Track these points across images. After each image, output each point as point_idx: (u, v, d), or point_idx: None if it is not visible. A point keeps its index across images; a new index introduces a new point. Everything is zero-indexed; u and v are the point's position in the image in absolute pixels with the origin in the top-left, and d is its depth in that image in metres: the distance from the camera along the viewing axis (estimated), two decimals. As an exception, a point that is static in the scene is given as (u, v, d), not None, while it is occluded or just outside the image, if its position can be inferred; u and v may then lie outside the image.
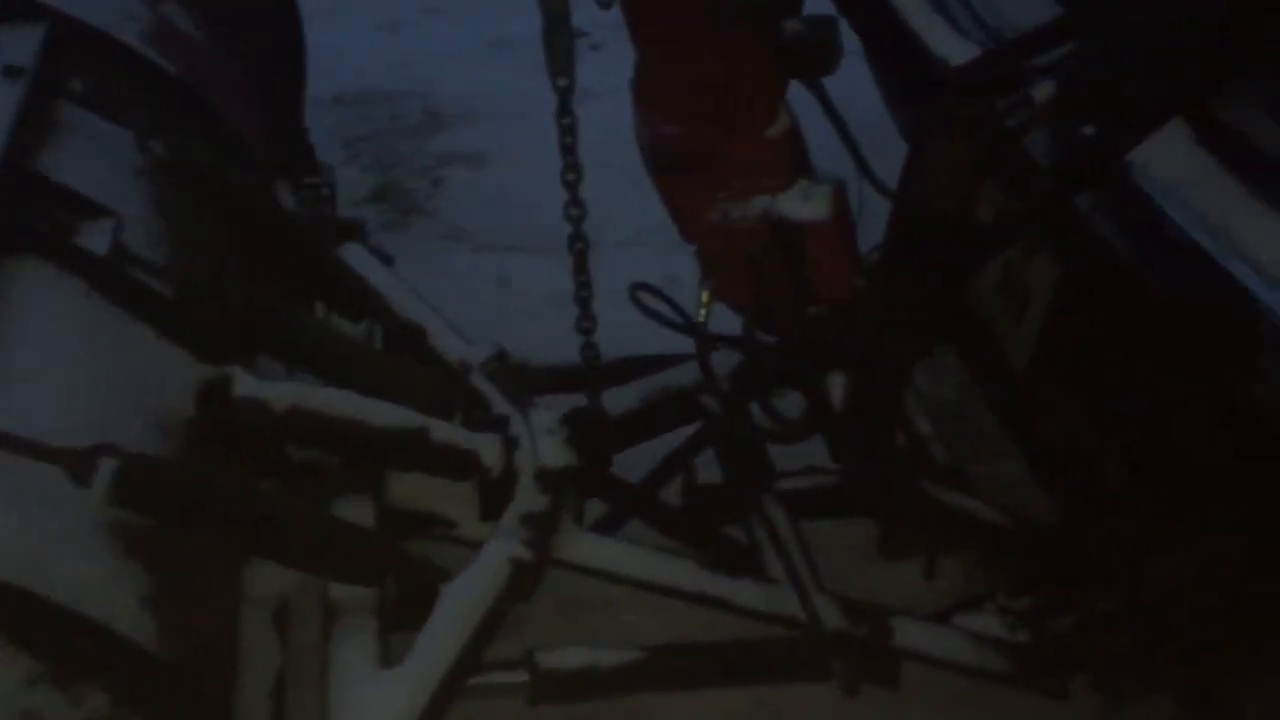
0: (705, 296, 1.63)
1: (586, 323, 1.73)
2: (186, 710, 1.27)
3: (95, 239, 1.54)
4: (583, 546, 1.79)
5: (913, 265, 1.36)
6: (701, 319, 1.65)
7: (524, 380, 2.06)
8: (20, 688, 1.13)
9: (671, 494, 2.05)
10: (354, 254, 2.15)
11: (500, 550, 1.67)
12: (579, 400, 1.91)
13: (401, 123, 3.39)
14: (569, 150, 1.56)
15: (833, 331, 1.58)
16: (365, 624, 1.57)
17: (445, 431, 1.73)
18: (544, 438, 1.83)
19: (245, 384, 1.61)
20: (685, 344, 2.02)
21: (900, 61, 1.35)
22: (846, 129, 1.66)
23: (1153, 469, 1.59)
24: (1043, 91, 1.29)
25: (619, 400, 2.05)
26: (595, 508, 2.00)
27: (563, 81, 1.49)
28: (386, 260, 2.24)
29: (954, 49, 1.24)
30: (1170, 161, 1.42)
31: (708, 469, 2.06)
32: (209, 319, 1.64)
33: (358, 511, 1.70)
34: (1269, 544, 1.45)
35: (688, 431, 2.10)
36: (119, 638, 1.21)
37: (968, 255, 1.41)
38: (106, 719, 1.17)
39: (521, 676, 1.68)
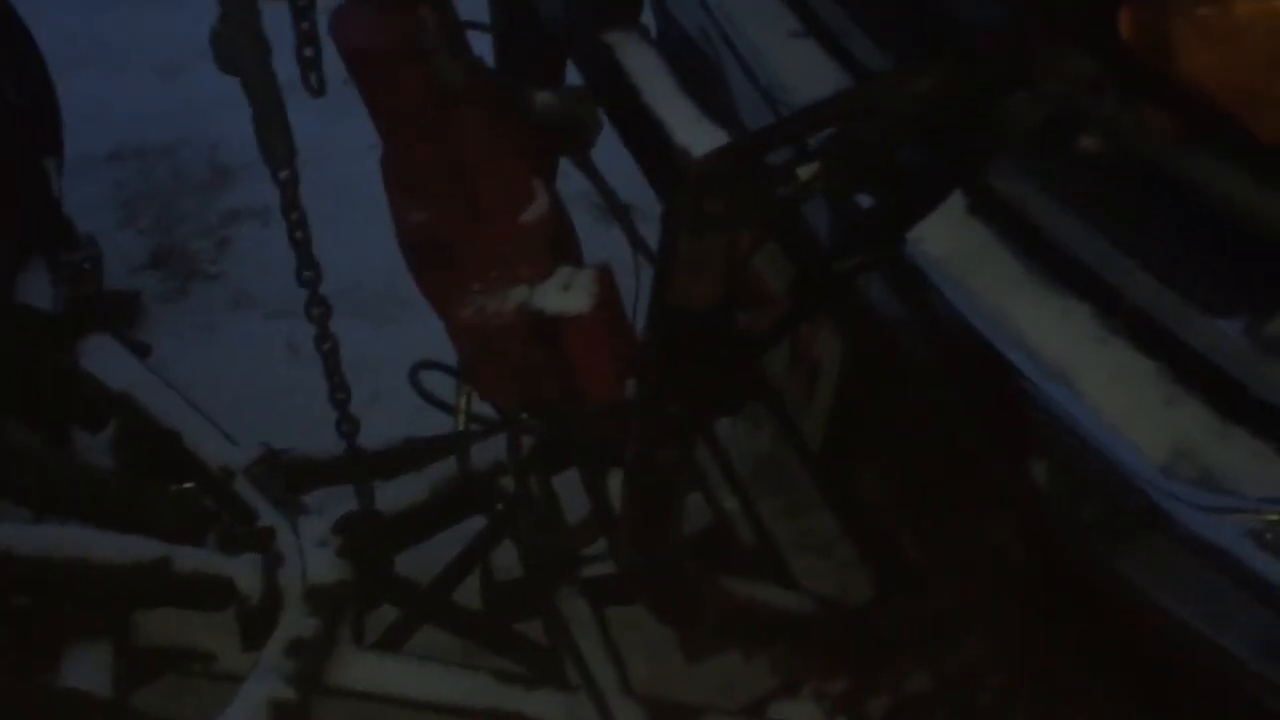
0: (464, 400, 1.48)
1: (347, 425, 1.57)
2: None
3: None
4: (360, 669, 1.63)
5: (671, 372, 1.24)
6: (461, 426, 1.51)
7: (296, 477, 1.89)
8: None
9: (469, 592, 1.89)
10: (100, 348, 1.95)
11: (258, 691, 1.50)
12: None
13: (185, 179, 3.15)
14: (301, 246, 1.40)
15: (605, 430, 1.45)
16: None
17: (191, 558, 1.56)
18: (314, 551, 1.66)
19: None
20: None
21: (647, 148, 1.23)
22: (617, 201, 1.54)
23: (948, 548, 1.51)
24: (807, 171, 1.17)
25: (408, 488, 1.89)
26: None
27: (283, 174, 1.33)
28: (142, 350, 2.04)
29: (698, 137, 1.12)
30: (943, 235, 1.34)
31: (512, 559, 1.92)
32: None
33: (96, 658, 1.51)
34: (1059, 622, 1.38)
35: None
36: None
37: (737, 350, 1.30)
38: None
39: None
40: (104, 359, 1.90)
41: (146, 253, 2.90)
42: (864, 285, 1.42)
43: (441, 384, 1.86)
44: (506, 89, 1.38)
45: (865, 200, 1.40)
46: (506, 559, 1.92)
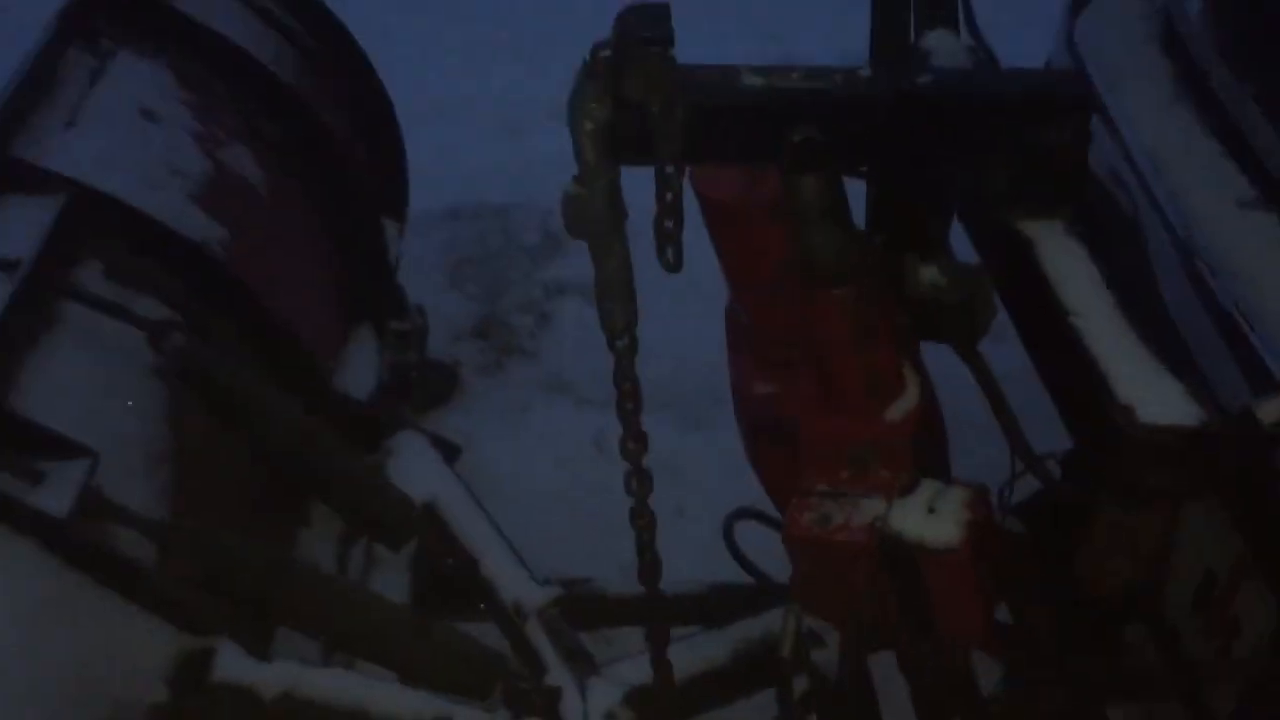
0: (792, 621, 1.27)
1: (648, 573, 1.35)
2: None
3: (59, 489, 1.28)
4: None
5: (1071, 647, 0.98)
6: (787, 651, 1.29)
7: (590, 615, 1.73)
8: None
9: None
10: (410, 448, 1.87)
11: None
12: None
13: (515, 241, 3.12)
14: (630, 418, 1.22)
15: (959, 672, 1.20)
16: None
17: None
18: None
19: (230, 662, 1.33)
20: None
21: (1064, 374, 0.98)
22: (1005, 405, 1.26)
23: None
24: None
25: (707, 648, 1.70)
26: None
27: (620, 343, 1.16)
28: (452, 452, 1.95)
29: (1147, 393, 0.86)
30: None
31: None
32: (194, 580, 1.37)
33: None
34: None
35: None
36: None
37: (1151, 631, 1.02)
38: None
39: None
40: (412, 461, 1.82)
41: (471, 320, 2.86)
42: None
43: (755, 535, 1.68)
44: (886, 260, 1.16)
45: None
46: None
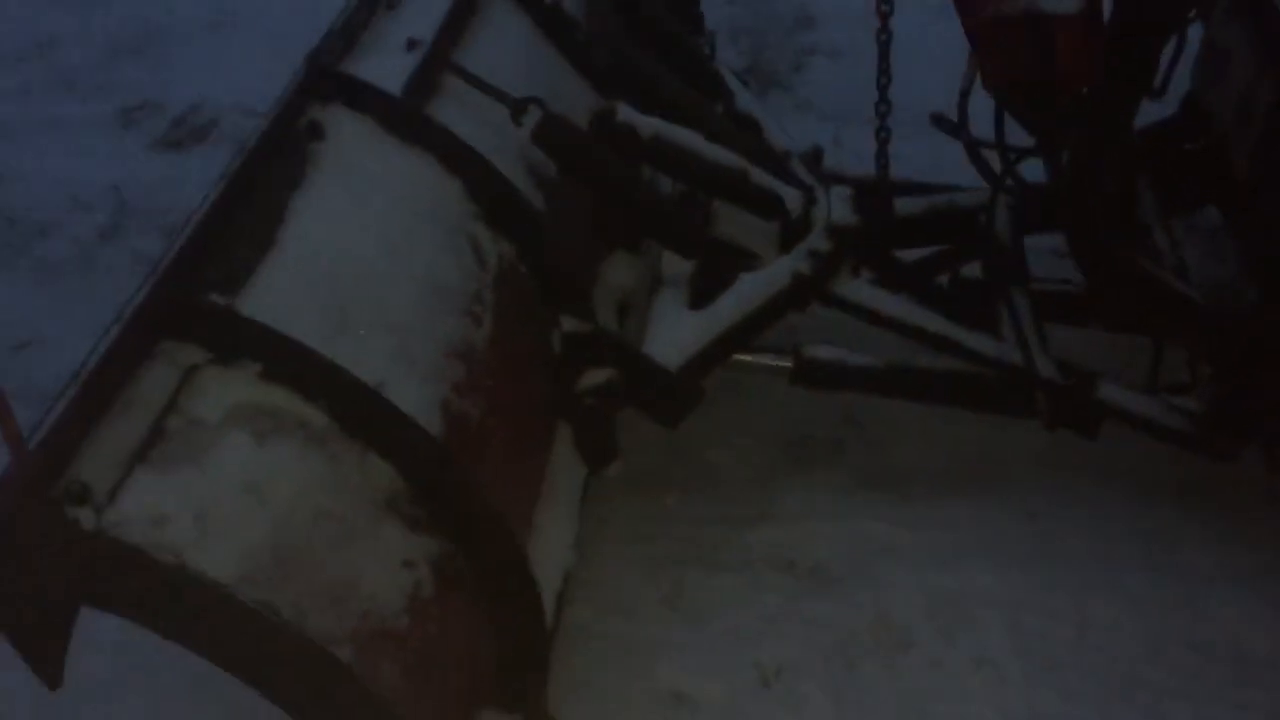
0: (972, 68, 2.08)
1: (884, 107, 2.21)
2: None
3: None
4: (851, 287, 2.29)
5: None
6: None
7: (831, 176, 2.58)
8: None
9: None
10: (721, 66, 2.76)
11: (788, 263, 2.21)
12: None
13: (778, 21, 3.97)
14: (883, 54, 2.07)
15: (1072, 115, 1.98)
16: (681, 287, 2.18)
17: (761, 176, 2.28)
18: (837, 202, 2.34)
19: (625, 114, 2.23)
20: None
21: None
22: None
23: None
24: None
25: (914, 204, 2.52)
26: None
27: (885, 8, 2.01)
28: (743, 81, 2.83)
29: None
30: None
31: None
32: (606, 63, 2.29)
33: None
34: None
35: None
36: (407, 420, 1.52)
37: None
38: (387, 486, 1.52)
39: (785, 361, 2.22)
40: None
41: (740, 66, 3.74)
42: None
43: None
44: None
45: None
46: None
